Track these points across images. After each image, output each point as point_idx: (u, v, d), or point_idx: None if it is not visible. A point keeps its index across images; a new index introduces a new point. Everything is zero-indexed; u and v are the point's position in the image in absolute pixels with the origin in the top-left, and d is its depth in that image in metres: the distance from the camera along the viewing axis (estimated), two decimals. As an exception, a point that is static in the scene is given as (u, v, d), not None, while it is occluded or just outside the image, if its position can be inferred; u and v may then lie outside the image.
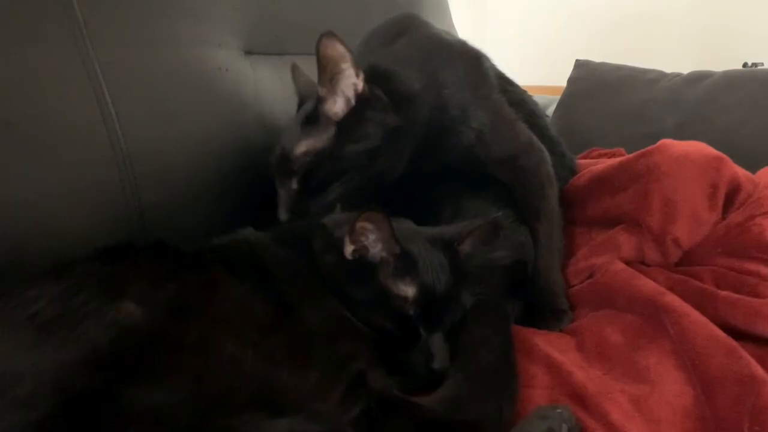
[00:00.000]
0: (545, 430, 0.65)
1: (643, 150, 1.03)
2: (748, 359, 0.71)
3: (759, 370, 0.69)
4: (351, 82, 0.92)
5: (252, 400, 0.54)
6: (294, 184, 0.93)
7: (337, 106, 0.93)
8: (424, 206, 1.02)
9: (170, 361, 0.55)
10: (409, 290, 0.77)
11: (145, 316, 0.59)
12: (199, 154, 1.00)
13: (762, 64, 2.58)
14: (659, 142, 1.02)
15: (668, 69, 1.70)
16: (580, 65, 1.86)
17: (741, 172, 0.99)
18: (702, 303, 0.83)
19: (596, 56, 1.87)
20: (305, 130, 0.94)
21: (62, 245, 0.82)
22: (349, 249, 0.79)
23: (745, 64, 2.62)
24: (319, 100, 0.93)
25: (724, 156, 1.00)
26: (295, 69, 1.10)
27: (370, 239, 0.78)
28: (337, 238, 0.80)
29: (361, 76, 0.92)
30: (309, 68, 1.23)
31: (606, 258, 1.00)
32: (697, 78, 1.55)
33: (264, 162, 0.98)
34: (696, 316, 0.78)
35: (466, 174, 1.05)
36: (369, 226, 0.76)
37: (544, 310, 0.94)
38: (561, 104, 1.82)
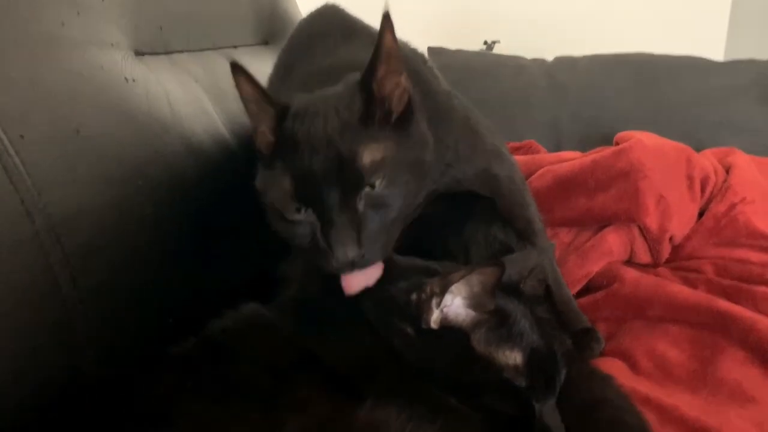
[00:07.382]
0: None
1: (617, 147, 1.00)
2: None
3: None
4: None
5: None
6: (361, 205, 0.64)
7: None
8: (420, 237, 0.86)
9: None
10: (516, 356, 0.62)
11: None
12: (124, 200, 0.69)
13: (499, 42, 2.80)
14: (631, 138, 1.00)
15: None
16: (436, 53, 1.79)
17: (705, 160, 1.02)
18: (739, 300, 0.82)
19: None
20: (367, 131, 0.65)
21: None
22: (435, 316, 0.61)
23: (485, 42, 2.81)
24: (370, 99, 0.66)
25: (687, 146, 1.01)
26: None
27: (456, 300, 0.61)
28: (412, 302, 0.62)
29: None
30: (198, 67, 1.01)
31: (601, 264, 0.95)
32: (569, 64, 1.58)
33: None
34: (764, 319, 0.76)
35: (449, 194, 0.90)
36: (477, 279, 0.59)
37: (574, 334, 0.86)
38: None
